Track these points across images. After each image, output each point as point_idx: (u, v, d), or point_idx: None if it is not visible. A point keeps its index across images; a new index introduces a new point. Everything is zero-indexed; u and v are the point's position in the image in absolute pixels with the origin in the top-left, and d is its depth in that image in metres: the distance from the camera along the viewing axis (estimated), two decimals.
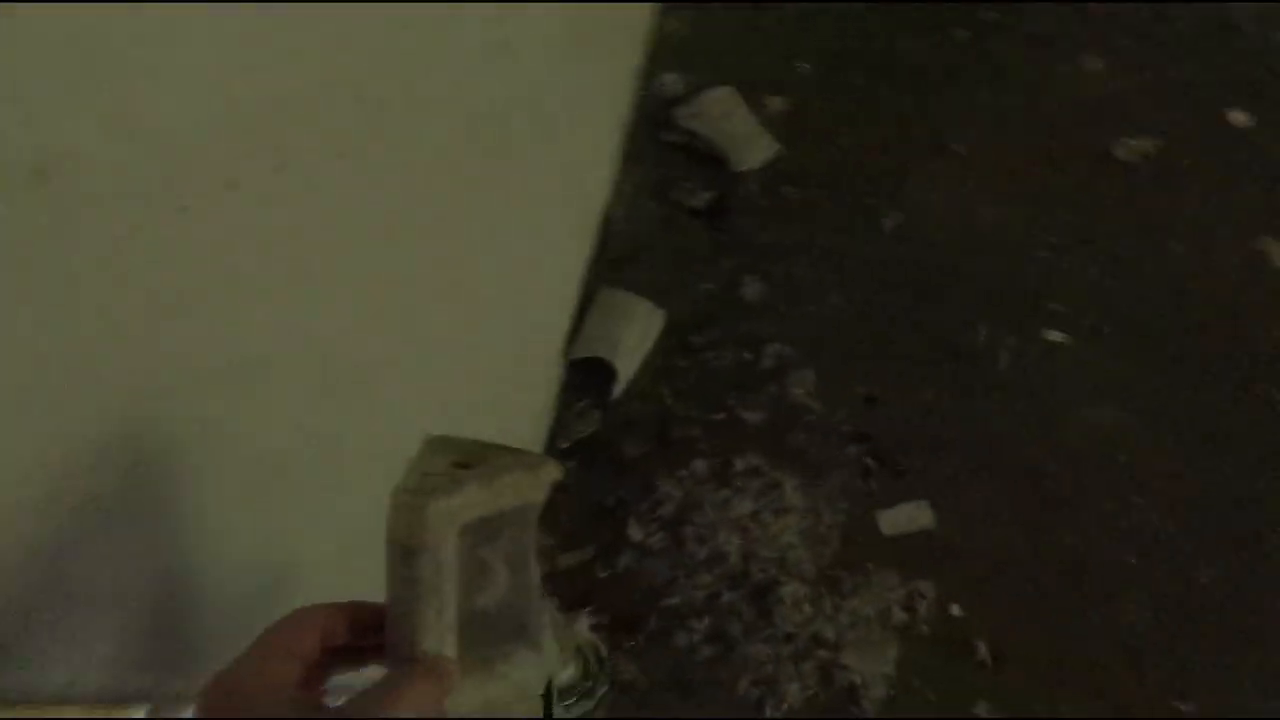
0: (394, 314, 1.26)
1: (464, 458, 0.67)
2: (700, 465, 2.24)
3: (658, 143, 2.83)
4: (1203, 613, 1.93)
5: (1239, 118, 2.50)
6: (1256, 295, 2.26)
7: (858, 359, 2.39)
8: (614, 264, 2.63)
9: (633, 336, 2.44)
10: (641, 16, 3.01)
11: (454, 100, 1.33)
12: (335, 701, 0.60)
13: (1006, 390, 2.28)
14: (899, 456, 2.24)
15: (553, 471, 0.68)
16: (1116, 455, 2.14)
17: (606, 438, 2.29)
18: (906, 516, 2.15)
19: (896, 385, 2.33)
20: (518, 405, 2.21)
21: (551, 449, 2.28)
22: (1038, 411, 2.23)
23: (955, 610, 1.95)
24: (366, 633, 0.64)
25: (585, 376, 2.37)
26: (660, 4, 3.03)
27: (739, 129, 2.78)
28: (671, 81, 2.93)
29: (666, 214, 2.71)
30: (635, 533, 2.15)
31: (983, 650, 1.90)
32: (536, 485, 0.68)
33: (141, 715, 0.87)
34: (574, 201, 2.51)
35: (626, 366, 2.37)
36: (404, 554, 0.61)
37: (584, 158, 2.57)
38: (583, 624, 1.97)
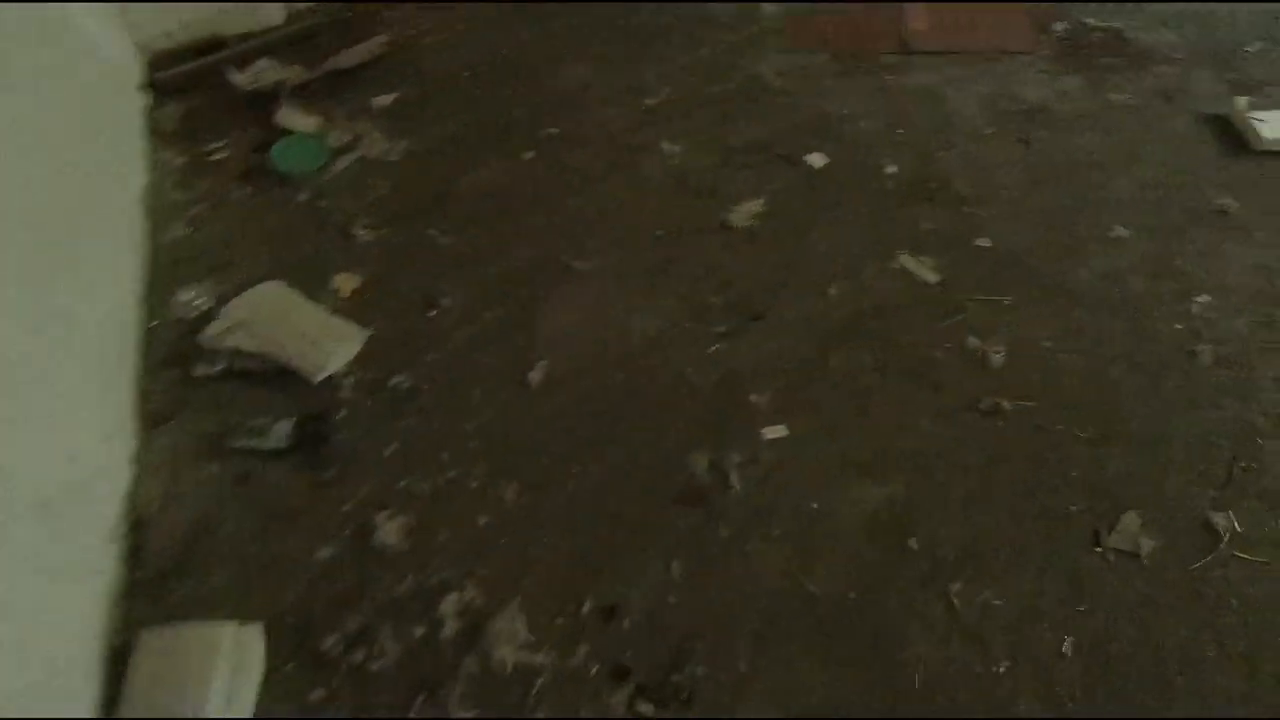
0: None
1: None
2: None
3: (192, 383, 1.95)
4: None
5: (818, 159, 2.48)
6: (914, 304, 2.10)
7: (571, 565, 1.70)
8: (158, 584, 1.64)
9: (217, 684, 1.46)
10: (127, 219, 2.17)
11: None
12: None
13: (754, 520, 1.76)
14: (675, 679, 1.55)
15: None
16: (907, 539, 1.71)
17: None
18: None
19: (631, 575, 1.68)
20: None
21: None
22: (797, 534, 1.73)
23: None
24: None
25: None
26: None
27: (305, 328, 2.03)
28: (191, 297, 2.11)
29: (236, 473, 1.82)
30: None
31: None
32: None
33: None
34: (74, 527, 1.51)
35: None
36: None
37: (78, 449, 1.61)
38: None
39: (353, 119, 2.61)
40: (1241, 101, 2.40)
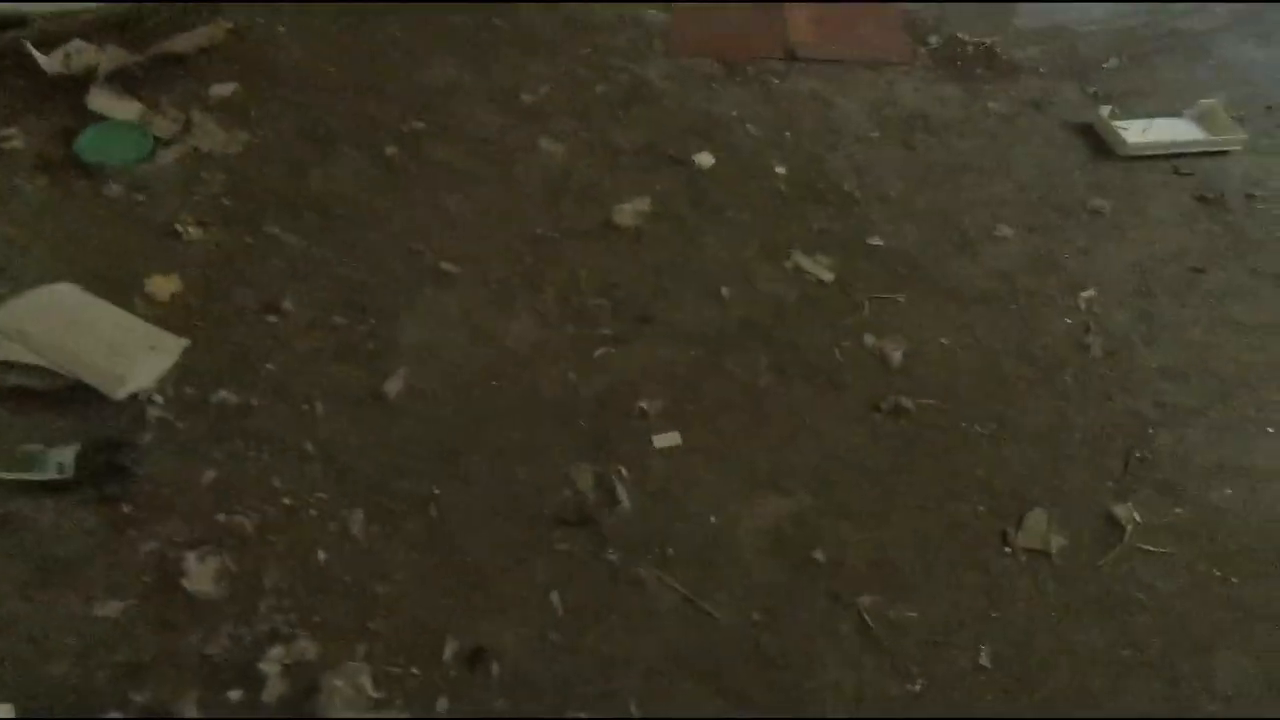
0: None
1: None
2: None
3: None
4: None
5: (706, 158, 2.37)
6: (810, 304, 1.99)
7: (430, 602, 1.43)
8: None
9: None
10: None
11: None
12: None
13: (645, 540, 1.55)
14: None
15: None
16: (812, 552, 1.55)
17: None
18: None
19: (503, 611, 1.43)
20: None
21: None
22: (693, 555, 1.54)
23: None
24: None
25: None
26: None
27: (104, 337, 1.68)
28: None
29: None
30: None
31: None
32: None
33: None
34: None
35: None
36: None
37: None
38: None
39: (183, 107, 2.28)
40: (1105, 110, 2.48)
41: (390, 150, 2.27)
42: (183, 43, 2.41)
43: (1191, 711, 1.40)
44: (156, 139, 2.17)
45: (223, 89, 2.37)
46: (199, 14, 2.55)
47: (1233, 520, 1.66)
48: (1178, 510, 1.67)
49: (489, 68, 2.58)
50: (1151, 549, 1.61)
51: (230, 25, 2.53)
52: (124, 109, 2.22)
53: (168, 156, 2.15)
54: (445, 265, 2.00)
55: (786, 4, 2.91)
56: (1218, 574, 1.58)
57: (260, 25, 2.60)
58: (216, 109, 2.31)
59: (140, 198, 2.05)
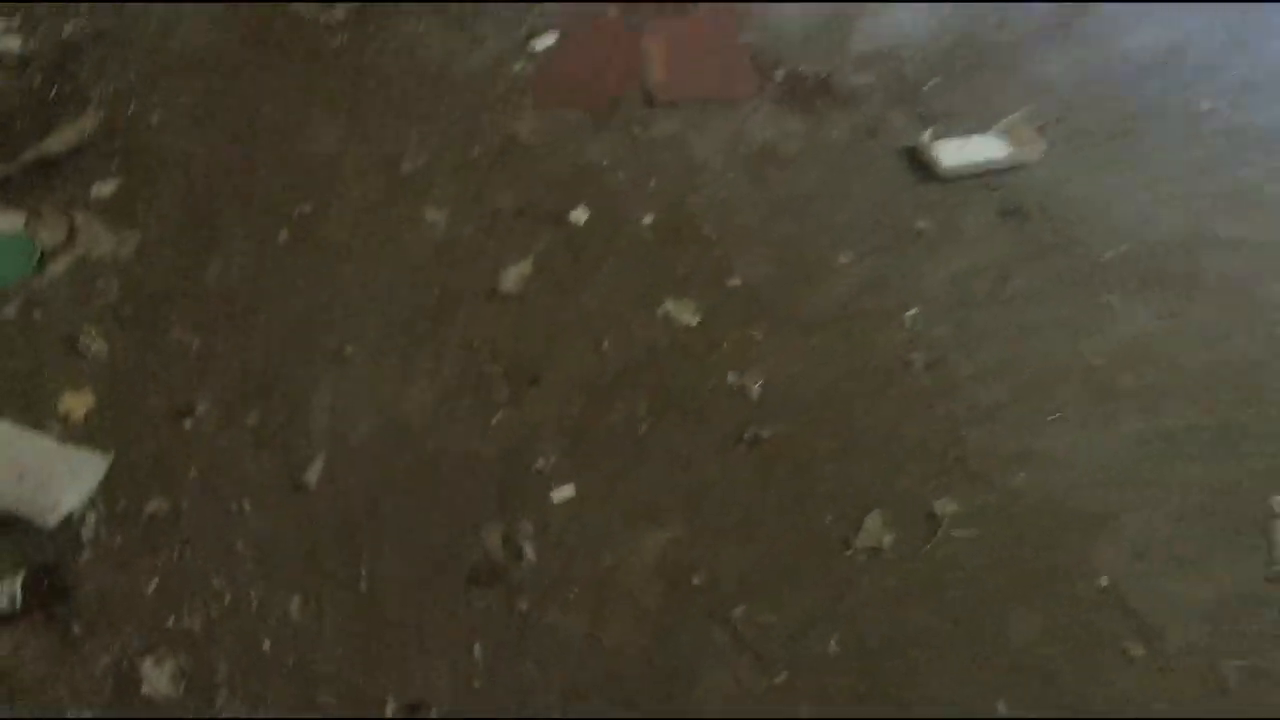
0: None
1: None
2: None
3: None
4: None
5: (581, 214, 2.59)
6: (679, 348, 2.27)
7: (369, 668, 1.66)
8: None
9: None
10: None
11: None
12: None
13: (551, 588, 1.81)
14: None
15: None
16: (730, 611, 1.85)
17: None
18: None
19: (433, 667, 1.68)
20: None
21: None
22: (593, 594, 1.82)
23: None
24: None
25: None
26: None
27: (28, 465, 1.81)
28: None
29: None
30: None
31: None
32: None
33: None
34: None
35: None
36: None
37: None
38: None
39: (66, 212, 2.35)
40: (926, 134, 2.82)
41: (282, 235, 2.40)
42: (55, 143, 2.46)
43: (989, 666, 1.79)
44: (43, 251, 2.25)
45: (104, 187, 2.43)
46: (65, 109, 2.59)
47: (1027, 500, 2.05)
48: (985, 497, 2.05)
49: (368, 135, 2.71)
50: (963, 534, 1.98)
51: (101, 116, 2.58)
52: (5, 221, 2.28)
53: (58, 268, 2.23)
54: (347, 347, 2.18)
55: (643, 42, 3.13)
56: (1013, 547, 1.97)
57: (133, 114, 2.65)
58: (101, 209, 2.38)
59: (37, 315, 2.14)
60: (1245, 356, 2.25)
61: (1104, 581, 1.88)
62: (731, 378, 2.22)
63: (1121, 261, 2.47)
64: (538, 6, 3.17)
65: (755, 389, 2.19)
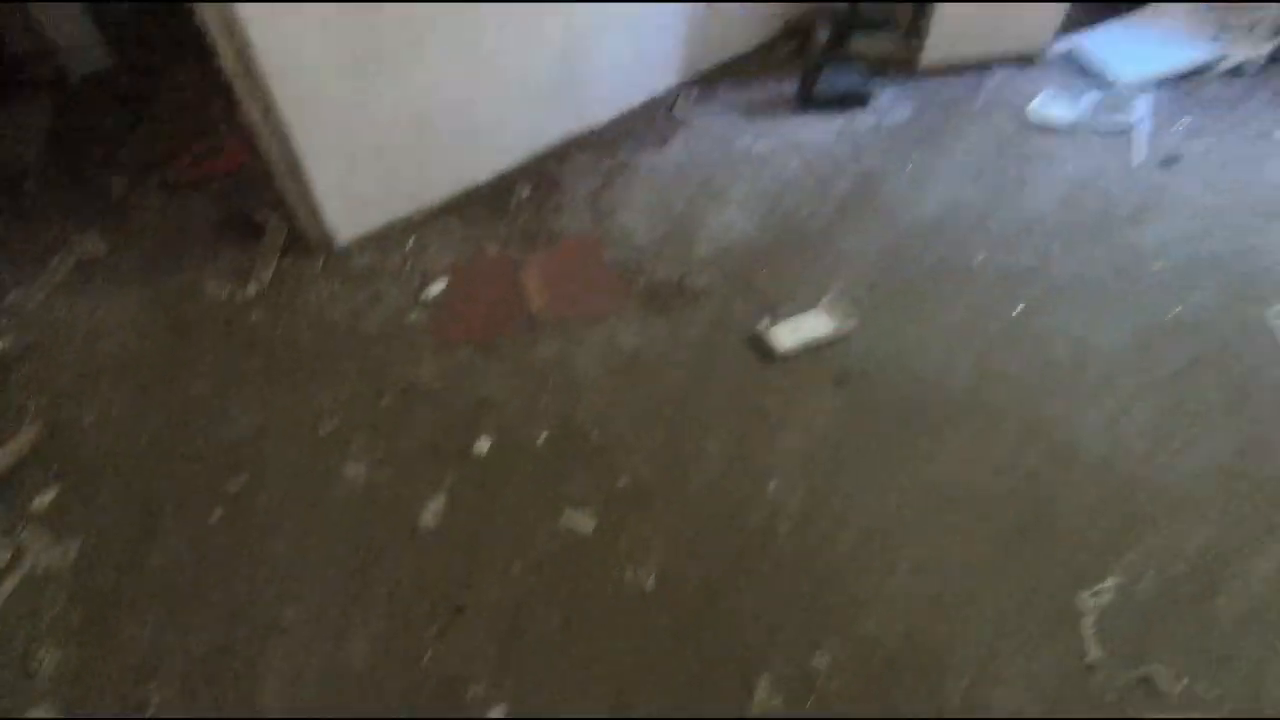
0: None
1: None
2: None
3: None
4: None
5: (483, 444, 2.98)
6: (581, 555, 2.63)
7: None
8: None
9: None
10: None
11: None
12: None
13: None
14: None
15: None
16: None
17: None
18: None
19: None
20: None
21: None
22: None
23: None
24: None
25: None
26: None
27: None
28: None
29: None
30: None
31: None
32: None
33: None
34: None
35: None
36: None
37: None
38: None
39: (10, 531, 2.58)
40: (764, 321, 3.39)
41: (216, 514, 2.69)
42: (1, 461, 2.72)
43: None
44: None
45: (44, 498, 2.69)
46: (3, 426, 2.86)
47: (884, 645, 2.44)
48: (851, 648, 2.44)
49: (287, 405, 3.07)
50: (839, 684, 2.35)
51: (38, 428, 2.86)
52: None
53: (6, 589, 2.44)
54: (285, 613, 2.44)
55: (520, 275, 3.66)
56: (878, 692, 2.34)
57: (67, 419, 2.94)
58: (42, 521, 2.63)
59: None
60: (1035, 474, 2.77)
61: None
62: (629, 574, 2.58)
63: (928, 407, 3.02)
64: (426, 257, 3.68)
65: (650, 582, 2.56)
